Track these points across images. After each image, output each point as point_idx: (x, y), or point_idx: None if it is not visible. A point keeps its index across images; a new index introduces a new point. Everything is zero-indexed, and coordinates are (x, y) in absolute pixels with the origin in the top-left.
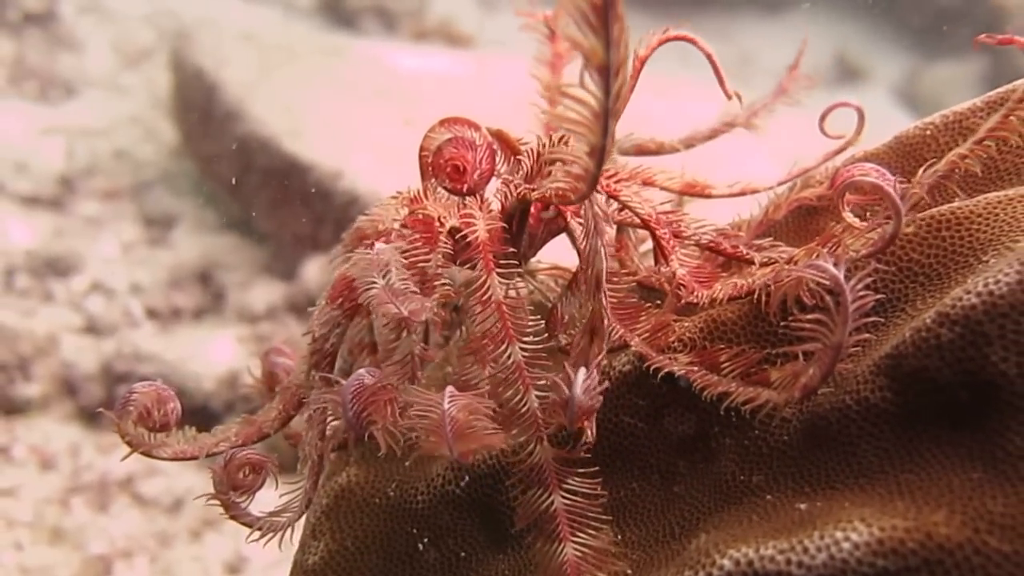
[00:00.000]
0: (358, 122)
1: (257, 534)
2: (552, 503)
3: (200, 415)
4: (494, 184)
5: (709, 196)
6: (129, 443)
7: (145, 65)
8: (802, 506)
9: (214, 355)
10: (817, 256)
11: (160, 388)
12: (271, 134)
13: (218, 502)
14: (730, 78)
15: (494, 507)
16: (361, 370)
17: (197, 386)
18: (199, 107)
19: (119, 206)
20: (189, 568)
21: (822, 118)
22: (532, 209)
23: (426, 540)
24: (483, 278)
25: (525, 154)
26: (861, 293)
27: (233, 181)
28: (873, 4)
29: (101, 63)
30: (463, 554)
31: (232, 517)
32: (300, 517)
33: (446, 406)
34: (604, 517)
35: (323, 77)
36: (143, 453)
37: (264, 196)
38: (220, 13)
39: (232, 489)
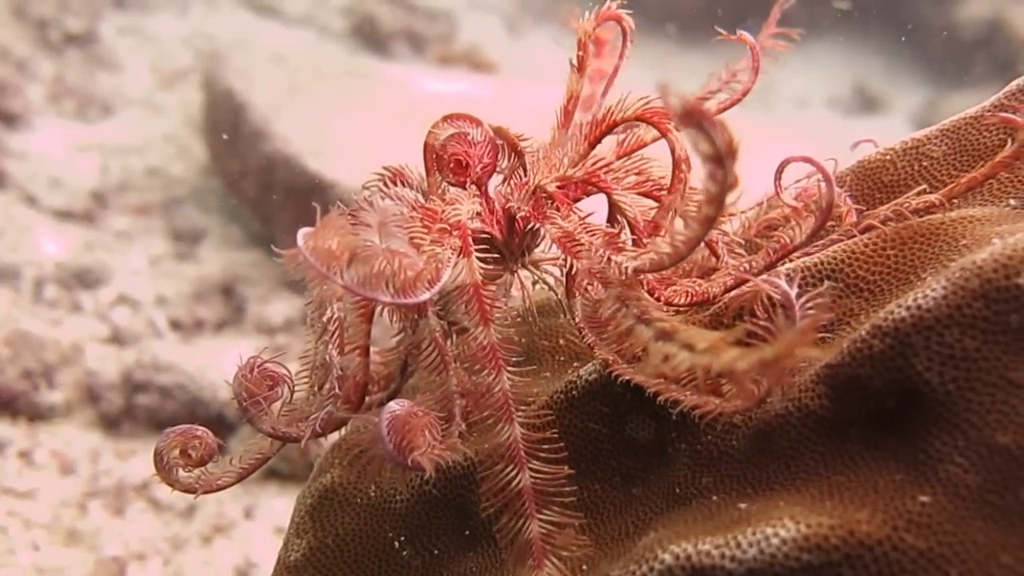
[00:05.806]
0: (380, 142)
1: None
2: (520, 480)
3: (215, 423)
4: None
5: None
6: (190, 491)
7: (180, 85)
8: (743, 506)
9: (230, 365)
10: (772, 270)
11: (180, 429)
12: (295, 152)
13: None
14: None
15: (467, 507)
16: (391, 403)
17: (213, 396)
18: (228, 126)
19: (149, 221)
20: (200, 572)
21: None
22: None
23: (402, 538)
24: (459, 259)
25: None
26: (810, 309)
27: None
28: (894, 36)
29: (139, 83)
30: (436, 551)
31: (250, 422)
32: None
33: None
34: (570, 495)
35: (348, 99)
36: (211, 491)
37: (286, 213)
38: (255, 36)
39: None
